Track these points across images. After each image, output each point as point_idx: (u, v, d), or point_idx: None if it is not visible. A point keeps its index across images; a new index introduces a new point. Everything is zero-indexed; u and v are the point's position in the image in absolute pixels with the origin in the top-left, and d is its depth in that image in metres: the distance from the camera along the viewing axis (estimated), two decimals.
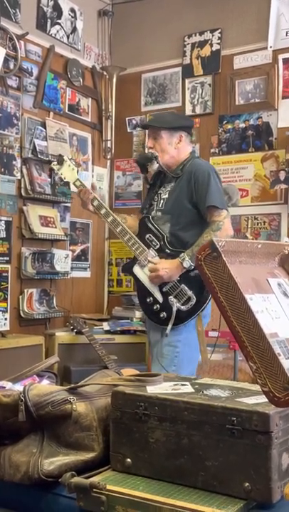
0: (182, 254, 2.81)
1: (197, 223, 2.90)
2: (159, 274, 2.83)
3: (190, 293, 2.79)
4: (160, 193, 3.04)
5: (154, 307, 2.89)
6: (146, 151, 4.76)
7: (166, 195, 2.99)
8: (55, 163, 3.30)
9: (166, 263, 2.84)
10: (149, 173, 3.18)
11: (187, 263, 2.78)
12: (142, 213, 3.12)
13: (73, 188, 4.49)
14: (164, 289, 2.87)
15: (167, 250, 2.89)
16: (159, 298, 2.88)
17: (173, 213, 2.93)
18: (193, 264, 2.77)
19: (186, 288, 2.81)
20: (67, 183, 4.43)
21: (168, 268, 2.82)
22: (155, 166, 3.03)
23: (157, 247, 2.93)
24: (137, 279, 2.98)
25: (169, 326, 2.79)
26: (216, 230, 2.81)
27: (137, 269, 2.96)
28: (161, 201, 3.00)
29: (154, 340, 2.93)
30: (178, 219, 2.92)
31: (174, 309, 2.79)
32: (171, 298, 2.82)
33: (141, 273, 2.94)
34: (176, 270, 2.81)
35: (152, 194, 3.10)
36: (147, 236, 2.97)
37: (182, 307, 2.80)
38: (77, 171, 3.27)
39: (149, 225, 2.98)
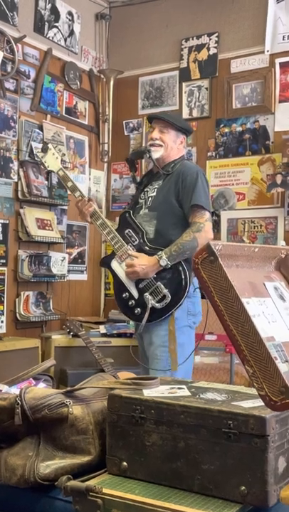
0: (160, 252, 2.81)
1: (184, 222, 2.90)
2: (135, 269, 2.84)
3: (165, 291, 2.80)
4: (147, 191, 3.04)
5: (130, 303, 2.89)
6: (142, 145, 4.77)
7: (154, 193, 2.99)
8: (40, 150, 3.26)
9: (143, 259, 2.84)
10: (138, 173, 3.18)
11: (164, 261, 2.78)
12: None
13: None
14: (140, 286, 2.87)
15: (146, 247, 2.89)
16: (135, 294, 2.88)
17: (160, 211, 2.93)
18: (170, 263, 2.79)
19: (162, 286, 2.81)
20: (62, 186, 4.43)
21: (144, 265, 2.82)
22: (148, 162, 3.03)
23: (136, 242, 2.93)
24: (114, 274, 2.98)
25: (143, 323, 2.80)
26: (196, 231, 2.81)
27: (114, 264, 2.96)
28: (149, 199, 3.00)
29: (147, 343, 2.93)
30: (165, 217, 2.92)
31: (149, 306, 2.80)
32: (146, 295, 2.83)
33: (118, 268, 2.94)
34: (152, 268, 2.82)
35: (138, 192, 3.10)
36: (127, 231, 2.97)
37: (157, 305, 2.80)
38: (61, 160, 3.22)
39: (130, 220, 2.98)
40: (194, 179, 2.88)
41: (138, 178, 3.33)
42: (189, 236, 2.79)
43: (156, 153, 2.99)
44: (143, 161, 4.53)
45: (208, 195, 2.97)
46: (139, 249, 2.91)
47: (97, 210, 3.04)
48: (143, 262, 2.83)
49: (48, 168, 3.24)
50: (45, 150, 3.20)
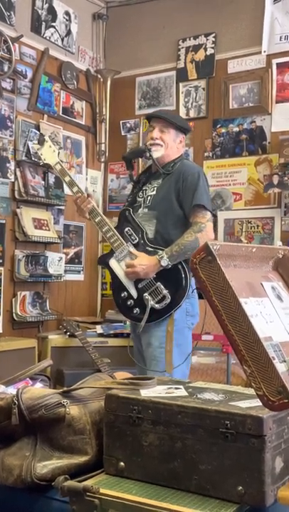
0: (161, 252, 2.77)
1: (184, 222, 2.88)
2: (135, 270, 2.79)
3: (165, 292, 2.76)
4: (145, 190, 2.99)
5: (128, 302, 2.85)
6: (140, 145, 4.76)
7: (154, 192, 2.95)
8: (36, 142, 3.16)
9: (144, 259, 2.80)
10: (134, 171, 3.14)
11: (165, 261, 2.74)
12: None
13: (67, 189, 4.49)
14: (140, 286, 2.83)
15: (148, 248, 2.85)
16: (134, 293, 2.84)
17: (160, 210, 2.89)
18: (171, 263, 2.75)
19: (161, 286, 2.77)
20: (59, 186, 4.44)
21: (145, 265, 2.77)
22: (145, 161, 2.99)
23: (136, 241, 2.88)
24: (112, 273, 2.93)
25: (142, 323, 2.77)
26: (197, 231, 2.77)
27: (113, 263, 2.90)
28: (148, 198, 2.95)
29: (145, 344, 2.91)
30: (165, 216, 2.88)
31: (148, 307, 2.77)
32: (145, 295, 2.79)
33: (117, 267, 2.89)
34: (153, 268, 2.77)
35: (136, 190, 3.07)
36: (126, 229, 2.92)
37: (156, 305, 2.76)
38: (58, 154, 3.13)
39: (130, 218, 2.93)
40: (196, 179, 2.86)
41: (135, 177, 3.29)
42: (191, 236, 2.75)
43: (157, 153, 2.95)
44: (140, 160, 4.52)
45: (209, 195, 2.95)
46: (139, 248, 2.87)
47: (95, 206, 2.97)
48: (143, 262, 2.78)
49: (45, 161, 3.13)
50: (41, 142, 3.09)
